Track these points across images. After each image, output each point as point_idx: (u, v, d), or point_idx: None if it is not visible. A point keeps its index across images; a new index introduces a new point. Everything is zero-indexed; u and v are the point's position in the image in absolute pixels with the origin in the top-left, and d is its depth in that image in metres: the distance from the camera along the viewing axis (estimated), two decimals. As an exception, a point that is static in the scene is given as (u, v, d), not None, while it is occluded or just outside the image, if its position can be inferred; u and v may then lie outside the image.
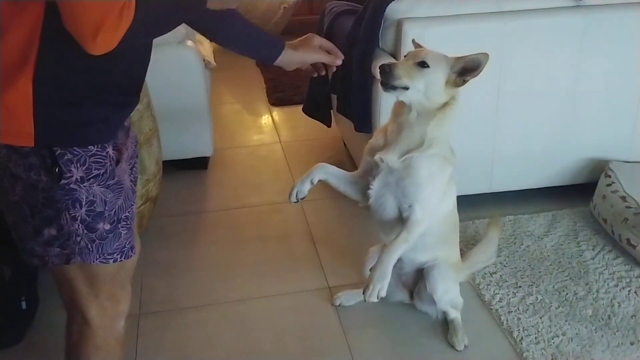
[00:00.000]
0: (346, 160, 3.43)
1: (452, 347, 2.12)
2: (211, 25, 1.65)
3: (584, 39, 2.60)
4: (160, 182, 2.77)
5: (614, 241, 2.60)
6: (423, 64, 1.82)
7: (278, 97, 4.43)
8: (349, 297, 2.34)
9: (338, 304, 2.33)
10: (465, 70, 1.83)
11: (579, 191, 2.91)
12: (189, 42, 3.07)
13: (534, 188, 2.91)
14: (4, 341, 2.16)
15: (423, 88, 1.83)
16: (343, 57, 1.75)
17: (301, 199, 2.02)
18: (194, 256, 2.68)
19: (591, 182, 2.84)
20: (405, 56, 1.91)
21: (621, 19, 2.61)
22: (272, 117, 4.20)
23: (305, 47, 1.73)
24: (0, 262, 2.18)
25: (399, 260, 2.02)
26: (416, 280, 2.22)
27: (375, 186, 1.97)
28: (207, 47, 3.62)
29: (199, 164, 3.37)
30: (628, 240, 2.49)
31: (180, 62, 3.03)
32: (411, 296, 2.27)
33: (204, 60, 3.22)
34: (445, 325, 2.21)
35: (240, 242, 2.78)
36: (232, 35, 1.68)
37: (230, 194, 3.18)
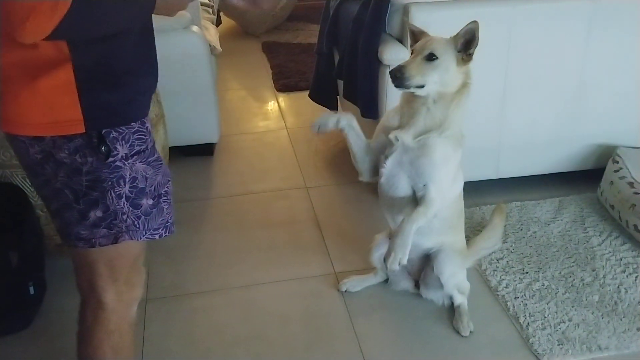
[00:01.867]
0: (352, 147, 3.43)
1: (458, 332, 2.13)
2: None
3: (591, 24, 2.58)
4: (167, 169, 2.76)
5: (621, 227, 2.59)
6: (431, 57, 1.83)
7: (284, 83, 4.42)
8: (355, 283, 2.35)
9: (344, 290, 2.34)
10: (466, 43, 1.85)
11: (586, 177, 2.90)
12: (195, 28, 3.05)
13: (540, 174, 2.90)
14: (12, 326, 2.17)
15: (438, 79, 1.84)
16: None
17: (322, 131, 1.99)
18: (200, 242, 2.69)
19: (598, 168, 2.83)
20: (411, 52, 1.91)
21: (629, 5, 2.58)
22: (278, 103, 4.19)
23: None
24: (8, 248, 2.20)
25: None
26: (421, 269, 2.22)
27: (388, 165, 1.97)
28: (212, 32, 3.61)
29: (205, 150, 3.37)
30: (635, 226, 2.48)
31: (186, 48, 3.02)
32: (416, 285, 2.28)
33: (209, 46, 3.21)
34: (451, 311, 2.21)
35: (246, 228, 2.78)
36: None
37: (236, 180, 3.18)
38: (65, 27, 1.13)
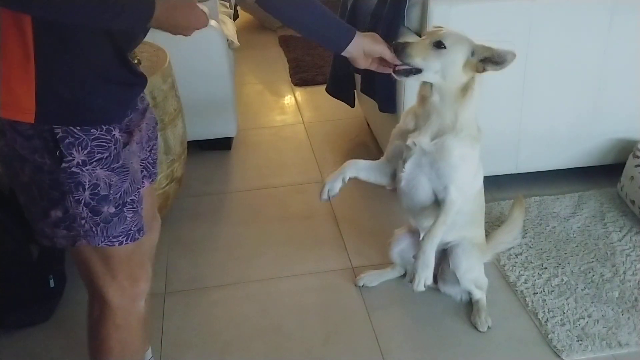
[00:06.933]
0: (369, 141, 3.42)
1: (476, 328, 2.12)
2: (281, 2, 1.60)
3: (612, 17, 2.54)
4: (185, 163, 2.78)
5: (642, 223, 2.57)
6: (440, 44, 1.79)
7: (301, 77, 4.42)
8: (372, 278, 2.35)
9: (361, 285, 2.34)
10: (489, 60, 1.79)
11: (606, 172, 2.87)
12: (213, 22, 3.06)
13: (560, 169, 2.88)
14: (33, 318, 2.20)
15: (439, 69, 1.79)
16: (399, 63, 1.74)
17: (332, 196, 2.00)
18: (218, 236, 2.70)
19: (619, 163, 2.80)
20: (424, 35, 1.89)
21: (652, -4, 2.55)
22: (295, 97, 4.19)
23: (372, 38, 1.70)
24: (29, 241, 2.22)
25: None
26: (439, 263, 2.21)
27: (407, 169, 1.96)
28: (230, 27, 3.61)
29: (223, 144, 3.38)
30: (656, 221, 2.46)
31: (204, 42, 3.03)
32: (434, 280, 2.27)
33: (227, 40, 3.22)
34: (469, 306, 2.21)
35: (264, 222, 2.79)
36: (303, 16, 1.62)
37: (254, 175, 3.19)
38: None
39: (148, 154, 1.59)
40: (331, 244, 2.61)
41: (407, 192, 2.01)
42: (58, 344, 2.14)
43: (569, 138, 2.78)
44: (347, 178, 2.01)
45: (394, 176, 2.06)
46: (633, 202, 2.62)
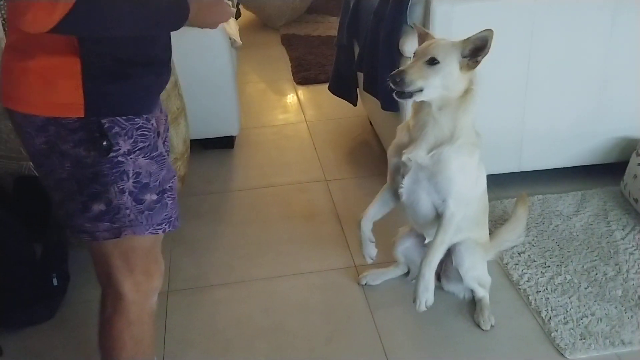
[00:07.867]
0: (372, 139, 3.42)
1: (479, 326, 2.12)
2: None
3: (615, 16, 2.54)
4: (188, 161, 2.78)
5: (645, 221, 2.56)
6: (433, 61, 1.80)
7: (303, 76, 4.42)
8: (374, 277, 2.35)
9: (364, 283, 2.34)
10: (476, 50, 1.80)
11: (609, 170, 2.86)
12: (215, 21, 3.05)
13: (563, 167, 2.87)
14: (36, 317, 2.20)
15: (440, 84, 1.80)
16: None
17: (375, 257, 2.16)
18: (222, 234, 2.70)
19: (622, 161, 2.79)
20: (414, 55, 1.88)
21: (656, -6, 2.55)
22: (297, 96, 4.19)
23: None
24: (32, 240, 2.22)
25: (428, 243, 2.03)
26: (443, 260, 2.21)
27: (405, 184, 1.97)
28: (233, 26, 3.61)
29: (226, 143, 3.39)
30: (660, 220, 2.46)
31: (206, 41, 3.03)
32: (438, 278, 2.27)
33: (230, 39, 3.22)
34: (472, 304, 2.21)
35: (267, 220, 2.79)
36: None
37: (257, 173, 3.19)
38: (68, 25, 1.14)
39: (163, 145, 1.61)
40: (334, 242, 2.61)
41: (409, 206, 2.02)
42: (61, 342, 2.14)
43: (572, 136, 2.77)
44: (371, 235, 2.11)
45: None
46: (636, 200, 2.62)
